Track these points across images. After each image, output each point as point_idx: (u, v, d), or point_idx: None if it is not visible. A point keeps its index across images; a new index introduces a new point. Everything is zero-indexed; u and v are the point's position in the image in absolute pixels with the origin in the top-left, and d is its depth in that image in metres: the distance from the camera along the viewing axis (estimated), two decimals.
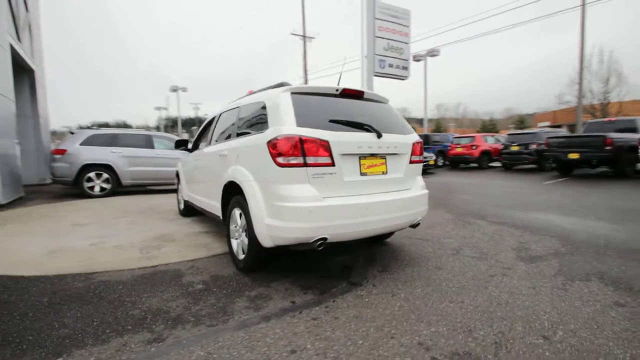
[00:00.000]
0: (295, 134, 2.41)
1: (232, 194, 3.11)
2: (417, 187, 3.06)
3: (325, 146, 2.46)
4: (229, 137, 3.50)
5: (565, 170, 10.84)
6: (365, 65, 17.85)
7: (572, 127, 24.95)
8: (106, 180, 7.65)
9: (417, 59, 19.71)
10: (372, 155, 2.73)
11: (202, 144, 5.06)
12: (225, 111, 3.87)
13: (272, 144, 2.46)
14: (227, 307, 2.30)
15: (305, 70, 27.99)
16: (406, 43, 17.93)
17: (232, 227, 3.13)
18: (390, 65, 17.12)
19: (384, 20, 17.90)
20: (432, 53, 19.46)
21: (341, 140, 2.54)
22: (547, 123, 35.08)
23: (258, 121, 2.90)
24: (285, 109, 2.56)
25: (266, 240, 2.54)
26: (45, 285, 2.69)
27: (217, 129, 3.92)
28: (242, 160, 2.87)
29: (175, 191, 6.35)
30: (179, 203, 5.59)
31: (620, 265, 2.94)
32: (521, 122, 50.07)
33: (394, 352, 1.77)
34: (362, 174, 2.66)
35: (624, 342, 1.83)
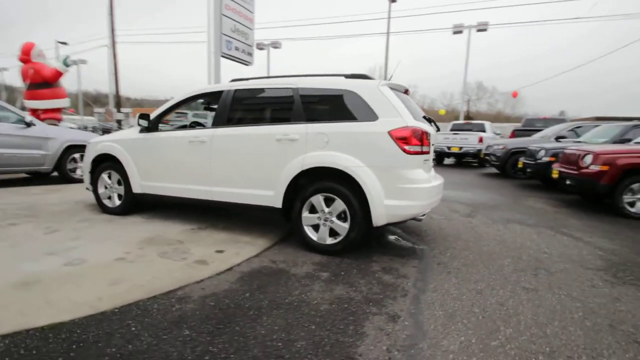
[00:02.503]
0: (417, 127, 2.84)
1: (307, 181, 3.05)
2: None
3: (428, 137, 3.01)
4: (277, 120, 3.27)
5: None
6: (212, 43, 16.83)
7: None
8: None
9: (260, 47, 20.17)
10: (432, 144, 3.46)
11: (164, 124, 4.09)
12: (252, 89, 3.44)
13: (397, 134, 2.77)
14: (384, 282, 2.54)
15: (113, 30, 22.61)
16: (251, 29, 18.12)
17: (305, 214, 3.08)
18: (237, 49, 16.92)
19: None
20: (275, 45, 20.47)
21: (431, 132, 3.15)
22: None
23: (347, 109, 3.00)
24: (396, 103, 2.90)
25: (382, 219, 2.85)
26: (140, 319, 1.91)
27: (241, 110, 3.42)
28: (339, 146, 2.92)
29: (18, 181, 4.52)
30: (102, 198, 4.13)
31: (509, 215, 5.02)
32: None
33: (517, 276, 2.73)
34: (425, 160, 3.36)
35: (577, 245, 3.53)
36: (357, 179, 2.84)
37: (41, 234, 3.27)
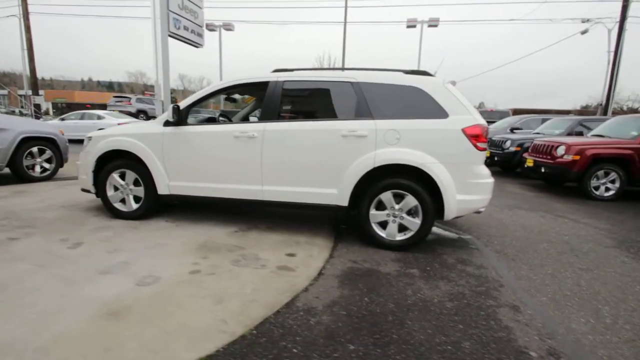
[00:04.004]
0: (485, 124, 2.96)
1: (370, 178, 3.01)
2: None
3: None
4: (336, 115, 3.15)
5: None
6: (158, 21, 15.18)
7: None
8: None
9: (210, 28, 18.62)
10: None
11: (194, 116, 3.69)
12: (303, 81, 3.23)
13: (471, 131, 2.87)
14: (471, 273, 2.67)
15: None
16: (200, 8, 17.01)
17: (372, 211, 3.05)
18: (186, 28, 15.80)
19: None
20: (227, 26, 19.05)
21: None
22: None
23: (414, 105, 3.01)
24: (464, 100, 2.99)
25: (453, 213, 2.97)
26: (291, 339, 1.75)
27: (293, 103, 3.19)
28: (411, 143, 2.92)
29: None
30: (113, 202, 3.55)
31: (504, 201, 5.55)
32: None
33: (565, 258, 3.08)
34: None
35: (579, 226, 4.06)
36: (433, 175, 2.90)
37: (65, 249, 2.72)
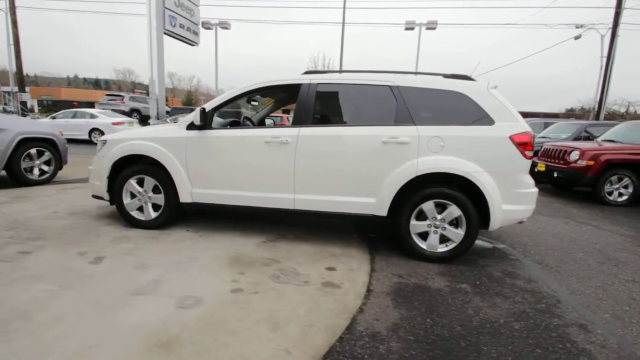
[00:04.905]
0: (532, 131, 2.85)
1: (409, 187, 2.86)
2: None
3: None
4: (374, 120, 2.99)
5: None
6: (153, 17, 14.74)
7: None
8: None
9: (206, 27, 18.19)
10: None
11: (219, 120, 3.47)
12: (338, 84, 3.06)
13: (519, 139, 2.75)
14: (524, 288, 2.54)
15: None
16: (196, 5, 16.77)
17: (413, 222, 2.90)
18: (182, 26, 15.55)
19: None
20: (224, 25, 18.63)
21: None
22: None
23: (457, 111, 2.87)
24: (509, 106, 2.86)
25: (498, 224, 2.85)
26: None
27: (328, 107, 3.01)
28: (456, 150, 2.78)
29: None
30: (130, 210, 3.30)
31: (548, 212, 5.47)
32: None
33: (607, 269, 2.99)
34: None
35: (604, 233, 4.00)
36: (479, 184, 2.76)
37: (86, 265, 2.48)
